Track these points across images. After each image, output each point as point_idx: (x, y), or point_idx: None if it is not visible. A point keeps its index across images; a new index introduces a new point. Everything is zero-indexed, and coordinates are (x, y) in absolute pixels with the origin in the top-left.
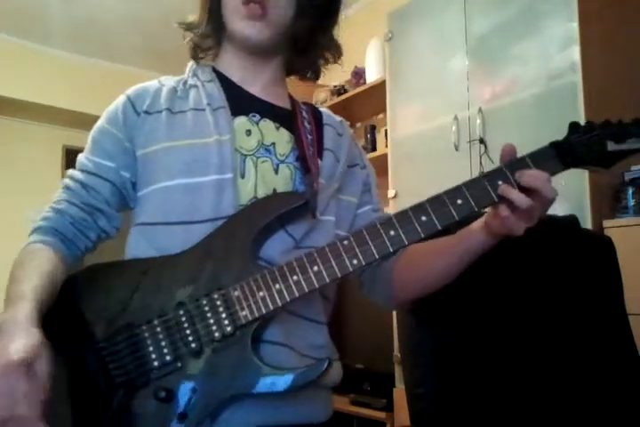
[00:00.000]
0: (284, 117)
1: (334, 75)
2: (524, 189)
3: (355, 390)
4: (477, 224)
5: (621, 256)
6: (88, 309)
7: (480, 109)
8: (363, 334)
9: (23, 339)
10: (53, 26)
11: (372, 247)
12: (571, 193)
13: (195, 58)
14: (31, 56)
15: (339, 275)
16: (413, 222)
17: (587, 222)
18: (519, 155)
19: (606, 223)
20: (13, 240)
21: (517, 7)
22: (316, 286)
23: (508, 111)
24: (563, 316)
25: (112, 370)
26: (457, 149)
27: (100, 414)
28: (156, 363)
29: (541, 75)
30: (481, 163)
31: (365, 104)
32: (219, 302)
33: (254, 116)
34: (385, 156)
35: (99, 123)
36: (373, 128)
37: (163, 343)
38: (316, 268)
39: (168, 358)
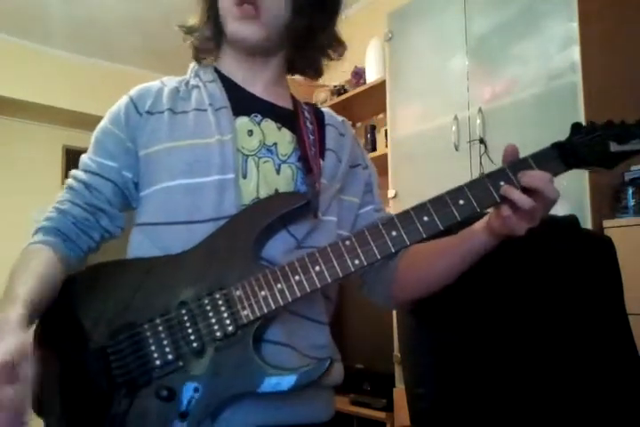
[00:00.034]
0: (286, 118)
1: (334, 75)
2: (526, 190)
3: (355, 390)
4: (480, 224)
5: (621, 256)
6: (90, 308)
7: (480, 109)
8: (363, 334)
9: (8, 341)
10: (53, 26)
11: (374, 247)
12: (571, 193)
13: (197, 59)
14: (31, 56)
15: (340, 275)
16: (415, 223)
17: (587, 222)
18: (519, 155)
19: (606, 223)
20: (14, 240)
21: (517, 7)
22: (318, 285)
23: (507, 111)
24: (563, 316)
25: (114, 369)
26: (457, 149)
27: (101, 413)
28: (157, 362)
29: (541, 75)
30: (481, 163)
31: (365, 104)
32: (220, 302)
33: (256, 116)
34: (385, 156)
35: (101, 123)
36: (373, 128)
37: (165, 342)
38: (317, 268)
39: (170, 357)
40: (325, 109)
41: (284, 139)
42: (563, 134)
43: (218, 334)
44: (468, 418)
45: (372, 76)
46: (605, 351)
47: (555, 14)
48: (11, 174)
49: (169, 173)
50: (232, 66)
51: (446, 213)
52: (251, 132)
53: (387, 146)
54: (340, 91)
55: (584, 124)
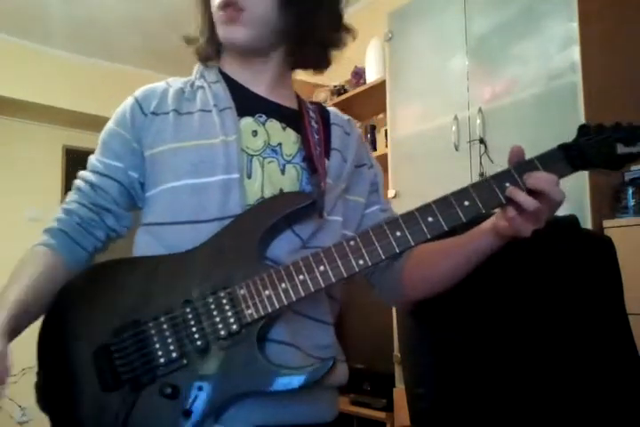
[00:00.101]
0: (291, 117)
1: (334, 75)
2: (531, 192)
3: (355, 390)
4: (486, 225)
5: (621, 256)
6: (95, 305)
7: (480, 109)
8: (363, 334)
9: None
10: (53, 26)
11: (379, 248)
12: (571, 193)
13: (202, 62)
14: (31, 56)
15: (345, 275)
16: (420, 223)
17: (587, 222)
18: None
19: (606, 223)
20: (13, 240)
21: (517, 7)
22: (322, 285)
23: (508, 111)
24: (563, 316)
25: (118, 367)
26: (457, 149)
27: (106, 410)
28: (162, 360)
29: (541, 75)
30: (481, 163)
31: (365, 104)
32: (225, 301)
33: (260, 116)
34: (385, 156)
35: (107, 124)
36: (373, 128)
37: (169, 340)
38: (322, 267)
39: (174, 354)
40: (331, 108)
41: (288, 139)
42: (563, 134)
43: (222, 332)
44: (468, 418)
45: (371, 76)
46: (605, 351)
47: (555, 14)
48: (11, 174)
49: (174, 174)
50: (234, 67)
51: (451, 213)
52: (255, 133)
53: (387, 146)
54: (340, 91)
55: (584, 124)
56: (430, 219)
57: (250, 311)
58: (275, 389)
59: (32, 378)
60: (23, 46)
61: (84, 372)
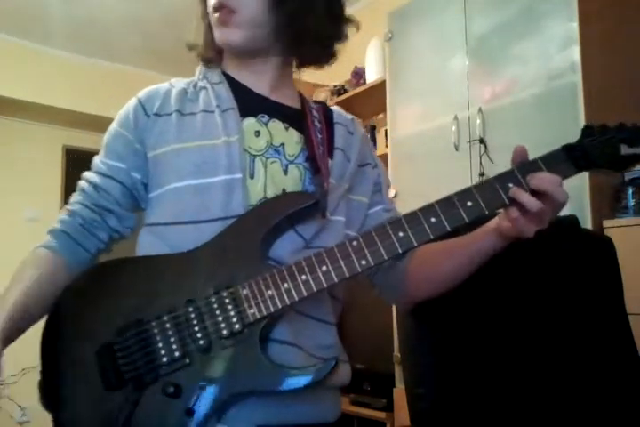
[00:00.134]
0: (294, 117)
1: (334, 75)
2: (534, 192)
3: (355, 390)
4: (489, 225)
5: (621, 256)
6: (98, 304)
7: (480, 109)
8: (363, 334)
9: None
10: (53, 26)
11: (381, 248)
12: (571, 193)
13: (205, 63)
14: (31, 56)
15: (347, 275)
16: (423, 224)
17: (587, 222)
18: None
19: (606, 223)
20: (13, 240)
21: (517, 7)
22: (325, 285)
23: (508, 111)
24: (563, 316)
25: (121, 366)
26: (457, 149)
27: (109, 409)
28: (164, 359)
29: (541, 75)
30: (481, 163)
31: (365, 104)
32: (227, 300)
33: (263, 117)
34: (385, 156)
35: (111, 126)
36: (373, 128)
37: (172, 339)
38: (324, 267)
39: (177, 354)
40: (335, 108)
41: (291, 139)
42: (563, 134)
43: (224, 332)
44: (468, 418)
45: (371, 76)
46: (605, 351)
47: (555, 14)
48: (11, 174)
49: (177, 174)
50: (236, 68)
51: (454, 214)
52: (258, 133)
53: (387, 146)
54: (340, 91)
55: (588, 124)
56: (433, 219)
57: (252, 311)
58: (279, 388)
59: (32, 378)
60: (23, 46)
61: (87, 371)
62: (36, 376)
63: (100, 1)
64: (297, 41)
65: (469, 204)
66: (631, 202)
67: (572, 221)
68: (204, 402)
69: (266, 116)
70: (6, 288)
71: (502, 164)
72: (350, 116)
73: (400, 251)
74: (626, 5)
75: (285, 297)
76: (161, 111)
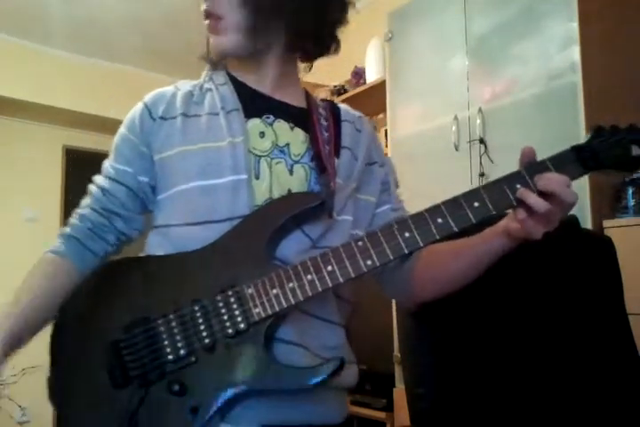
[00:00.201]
0: (299, 116)
1: (334, 75)
2: (542, 193)
3: (355, 390)
4: (498, 226)
5: (621, 256)
6: (106, 303)
7: (480, 109)
8: (363, 334)
9: None
10: (53, 26)
11: (387, 248)
12: None
13: (211, 66)
14: (31, 56)
15: (352, 275)
16: (429, 224)
17: (587, 222)
18: (518, 156)
19: (606, 223)
20: (13, 240)
21: (517, 7)
22: (330, 285)
23: (508, 111)
24: (563, 316)
25: (128, 363)
26: (457, 149)
27: (115, 406)
28: (170, 357)
29: (541, 75)
30: (481, 163)
31: (365, 104)
32: (232, 299)
33: (268, 117)
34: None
35: (119, 130)
36: (373, 128)
37: (177, 338)
38: (330, 267)
39: (182, 352)
40: (342, 105)
41: (296, 139)
42: (563, 134)
43: (229, 330)
44: (468, 418)
45: (371, 76)
46: (605, 351)
47: (555, 14)
48: (10, 174)
49: (184, 177)
50: (238, 69)
51: (461, 215)
52: (262, 134)
53: (387, 146)
54: (340, 91)
55: (598, 125)
56: (440, 220)
57: (257, 310)
58: (283, 388)
59: (32, 378)
60: (23, 46)
61: (94, 368)
62: (36, 376)
63: (100, 1)
64: (292, 40)
65: (476, 204)
66: (631, 202)
67: (572, 221)
68: (209, 401)
69: (271, 117)
70: (16, 297)
71: (502, 164)
72: (358, 114)
73: (406, 251)
74: (626, 5)
75: (290, 296)
76: (166, 115)
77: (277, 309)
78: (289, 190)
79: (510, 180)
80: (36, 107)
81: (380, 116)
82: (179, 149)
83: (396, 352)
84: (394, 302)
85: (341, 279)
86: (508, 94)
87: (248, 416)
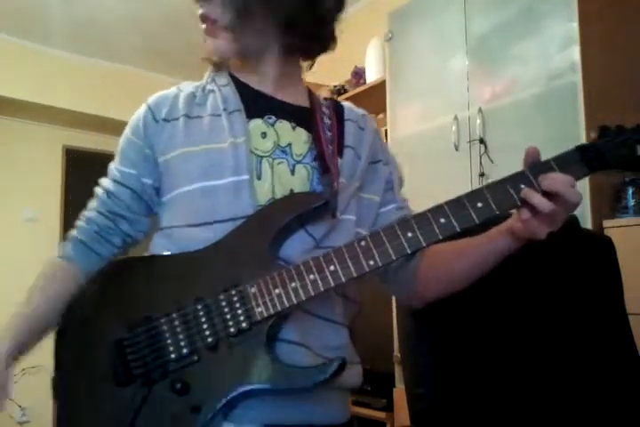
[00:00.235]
0: (302, 116)
1: (334, 75)
2: (546, 193)
3: (355, 390)
4: (503, 226)
5: (621, 256)
6: (110, 301)
7: (480, 109)
8: (363, 335)
9: None
10: (53, 26)
11: (390, 248)
12: None
13: (214, 68)
14: (31, 56)
15: (355, 275)
16: (432, 224)
17: (587, 222)
18: (518, 156)
19: (606, 223)
20: (13, 240)
21: (517, 7)
22: (332, 285)
23: (508, 111)
24: (563, 316)
25: (131, 361)
26: (457, 149)
27: (119, 405)
28: (173, 356)
29: (541, 75)
30: (481, 163)
31: (365, 104)
32: (235, 298)
33: (270, 118)
34: None
35: (125, 132)
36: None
37: (180, 337)
38: (332, 267)
39: (185, 351)
40: (346, 103)
41: (299, 138)
42: (563, 134)
43: (232, 329)
44: (468, 418)
45: (371, 76)
46: (605, 351)
47: (555, 14)
48: (10, 174)
49: (187, 178)
50: (240, 70)
51: (464, 215)
52: (264, 135)
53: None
54: (340, 91)
55: (604, 125)
56: (442, 220)
57: (260, 309)
58: (285, 387)
59: (32, 378)
60: (23, 46)
61: (98, 367)
62: (36, 376)
63: (100, 1)
64: (288, 39)
65: (480, 205)
66: (631, 202)
67: (572, 221)
68: (211, 399)
69: (273, 117)
70: (25, 298)
71: (502, 164)
72: (362, 112)
73: (409, 251)
74: (626, 5)
75: (292, 296)
76: (169, 117)
77: (279, 308)
78: (291, 190)
79: (514, 180)
80: (36, 107)
81: (380, 116)
82: (181, 150)
83: (396, 352)
84: (394, 302)
85: (344, 279)
86: (508, 94)
87: (250, 416)
